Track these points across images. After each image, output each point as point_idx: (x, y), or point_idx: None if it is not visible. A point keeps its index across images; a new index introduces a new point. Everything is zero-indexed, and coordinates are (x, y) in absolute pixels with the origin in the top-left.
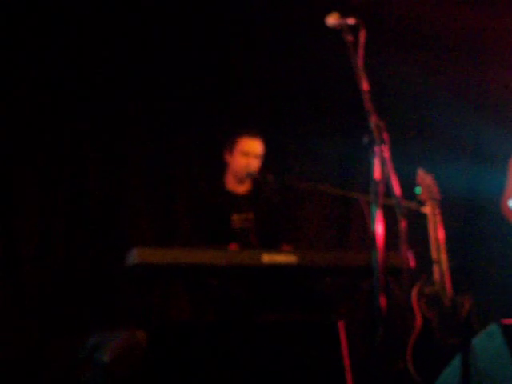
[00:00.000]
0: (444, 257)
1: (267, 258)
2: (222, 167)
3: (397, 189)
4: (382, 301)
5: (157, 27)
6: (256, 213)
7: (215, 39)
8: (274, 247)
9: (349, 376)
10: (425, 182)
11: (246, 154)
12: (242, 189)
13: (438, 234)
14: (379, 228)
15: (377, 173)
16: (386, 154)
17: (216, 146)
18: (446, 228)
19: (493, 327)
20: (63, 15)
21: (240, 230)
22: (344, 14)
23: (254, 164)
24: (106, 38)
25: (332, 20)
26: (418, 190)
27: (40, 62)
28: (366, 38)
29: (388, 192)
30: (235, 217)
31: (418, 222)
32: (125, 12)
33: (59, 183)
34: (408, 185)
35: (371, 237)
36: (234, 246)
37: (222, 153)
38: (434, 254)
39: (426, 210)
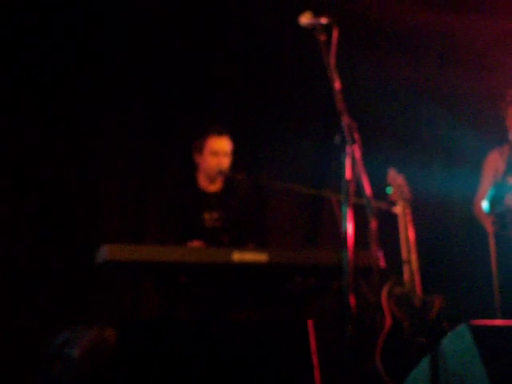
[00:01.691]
0: (414, 257)
1: (238, 256)
2: (194, 166)
3: (368, 188)
4: (352, 300)
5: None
6: (227, 211)
7: (185, 39)
8: (243, 246)
9: (317, 375)
10: (396, 181)
11: (216, 153)
12: (213, 187)
13: (408, 234)
14: (350, 227)
15: (348, 172)
16: (357, 153)
17: (188, 144)
18: (417, 228)
19: (462, 328)
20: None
21: (211, 229)
22: (317, 14)
23: (225, 162)
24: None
25: (305, 19)
26: (389, 189)
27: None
28: (339, 38)
29: (359, 191)
30: (207, 215)
31: (389, 221)
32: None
33: (29, 178)
34: (379, 185)
35: (342, 236)
36: (196, 243)
37: (191, 154)
38: (404, 254)
39: (397, 210)
